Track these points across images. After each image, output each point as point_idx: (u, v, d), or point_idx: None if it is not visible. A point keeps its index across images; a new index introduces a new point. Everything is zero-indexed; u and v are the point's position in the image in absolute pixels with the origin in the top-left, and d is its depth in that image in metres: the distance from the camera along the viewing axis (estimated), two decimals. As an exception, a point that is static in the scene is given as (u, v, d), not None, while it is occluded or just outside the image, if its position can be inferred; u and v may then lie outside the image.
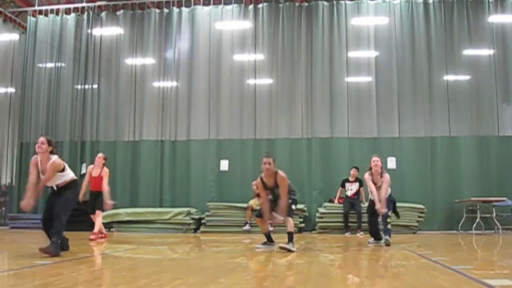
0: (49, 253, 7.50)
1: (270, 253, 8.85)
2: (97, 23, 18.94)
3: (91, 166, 13.00)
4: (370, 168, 10.70)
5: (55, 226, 7.84)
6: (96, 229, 12.42)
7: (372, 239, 11.13)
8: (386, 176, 10.63)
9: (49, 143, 8.12)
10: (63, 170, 8.16)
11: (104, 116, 18.46)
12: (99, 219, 12.56)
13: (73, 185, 8.35)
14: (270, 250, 9.50)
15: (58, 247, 7.74)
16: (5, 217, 18.77)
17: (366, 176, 10.79)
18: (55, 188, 8.20)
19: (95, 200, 12.50)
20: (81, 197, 11.75)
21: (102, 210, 12.59)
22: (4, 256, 8.35)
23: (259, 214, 9.98)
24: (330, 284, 5.34)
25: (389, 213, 10.56)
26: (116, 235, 13.52)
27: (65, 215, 7.98)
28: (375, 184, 10.61)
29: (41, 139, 8.10)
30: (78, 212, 15.89)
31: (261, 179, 9.54)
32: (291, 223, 9.47)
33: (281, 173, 9.39)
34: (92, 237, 12.14)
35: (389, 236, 10.42)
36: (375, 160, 10.66)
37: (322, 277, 5.95)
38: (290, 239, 9.22)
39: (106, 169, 12.67)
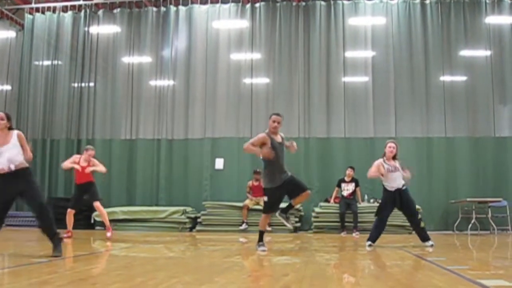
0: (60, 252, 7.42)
1: (269, 252, 8.84)
2: (94, 21, 18.91)
3: (77, 156, 12.60)
4: (384, 154, 10.40)
5: (48, 224, 7.60)
6: (107, 223, 12.36)
7: (370, 242, 10.37)
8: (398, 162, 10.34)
9: (8, 118, 7.70)
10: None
11: (101, 114, 18.44)
12: (103, 210, 12.40)
13: (29, 171, 7.73)
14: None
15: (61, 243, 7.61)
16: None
17: (377, 161, 10.40)
18: (12, 168, 7.48)
19: (85, 193, 12.33)
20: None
21: (99, 199, 12.47)
22: (0, 254, 8.34)
23: (266, 210, 9.37)
24: (326, 284, 5.34)
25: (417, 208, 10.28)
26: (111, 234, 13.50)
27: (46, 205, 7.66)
28: (391, 171, 10.18)
29: (0, 114, 7.66)
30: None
31: (268, 135, 9.18)
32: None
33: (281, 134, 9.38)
34: (109, 234, 12.05)
35: (429, 238, 10.15)
36: (391, 146, 10.35)
37: (318, 277, 5.96)
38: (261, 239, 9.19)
39: (95, 161, 12.48)
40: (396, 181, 10.26)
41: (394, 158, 10.39)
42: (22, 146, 7.63)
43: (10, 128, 7.71)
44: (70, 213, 12.34)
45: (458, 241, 12.63)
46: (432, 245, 9.96)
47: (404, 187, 10.26)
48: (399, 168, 10.28)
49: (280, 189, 9.18)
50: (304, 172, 16.64)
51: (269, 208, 9.36)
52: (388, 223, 14.64)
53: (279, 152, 9.15)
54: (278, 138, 9.26)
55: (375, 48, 17.56)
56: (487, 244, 11.96)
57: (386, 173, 10.25)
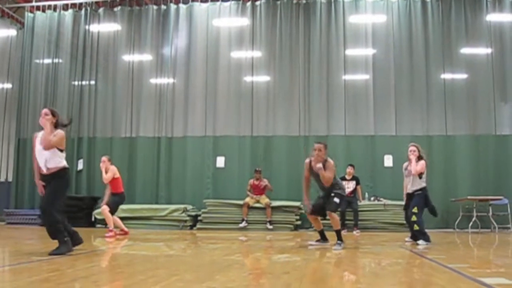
0: (61, 254, 7.30)
1: (270, 250, 8.84)
2: (94, 19, 18.92)
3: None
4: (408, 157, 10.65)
5: (50, 226, 7.52)
6: (110, 226, 12.30)
7: (409, 236, 10.80)
8: (421, 162, 10.49)
9: (53, 113, 7.81)
10: (62, 150, 7.85)
11: (101, 112, 18.44)
12: (106, 213, 12.36)
13: (63, 174, 7.82)
14: (323, 247, 9.47)
15: (67, 245, 7.55)
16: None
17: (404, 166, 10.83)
18: (44, 170, 7.70)
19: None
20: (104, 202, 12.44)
21: (111, 207, 12.42)
22: (1, 252, 8.34)
23: (311, 212, 9.90)
24: (327, 282, 5.35)
25: (414, 210, 10.24)
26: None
27: (55, 210, 7.55)
28: (406, 175, 10.62)
29: (45, 110, 7.80)
30: (75, 209, 15.97)
31: (310, 162, 9.72)
32: (335, 220, 9.56)
33: (330, 160, 9.67)
34: (107, 234, 12.09)
35: (423, 239, 10.18)
36: (412, 150, 10.63)
37: (319, 275, 5.96)
38: (339, 238, 9.45)
39: (113, 167, 12.56)
40: (408, 186, 10.64)
41: (419, 159, 10.56)
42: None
43: (56, 126, 7.88)
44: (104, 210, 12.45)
45: (459, 239, 12.63)
46: (418, 244, 10.09)
47: (417, 193, 10.45)
48: (413, 174, 10.50)
49: (319, 199, 9.97)
50: (304, 170, 16.62)
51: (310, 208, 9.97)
52: (389, 221, 14.83)
53: (315, 178, 9.85)
54: (317, 166, 9.56)
55: (375, 46, 17.55)
56: (488, 242, 11.96)
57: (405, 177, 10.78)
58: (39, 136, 7.86)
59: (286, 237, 13.01)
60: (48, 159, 7.70)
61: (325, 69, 17.49)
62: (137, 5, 18.93)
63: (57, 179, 7.71)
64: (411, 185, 10.54)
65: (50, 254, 7.26)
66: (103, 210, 12.39)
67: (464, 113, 16.81)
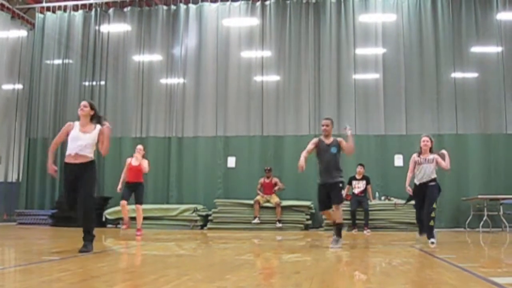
0: (89, 252, 7.60)
1: (280, 250, 8.83)
2: (104, 20, 19.00)
3: (130, 158, 13.14)
4: (421, 148, 10.40)
5: (90, 211, 7.76)
6: (138, 225, 12.76)
7: (417, 233, 10.70)
8: (434, 154, 10.30)
9: (92, 106, 8.04)
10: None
11: (111, 113, 18.48)
12: (139, 212, 12.76)
13: (94, 165, 8.01)
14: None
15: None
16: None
17: (412, 157, 10.50)
18: (77, 151, 7.80)
19: (133, 191, 12.74)
20: (119, 188, 12.84)
21: (141, 203, 12.83)
22: (12, 252, 8.38)
23: (322, 208, 9.91)
24: (337, 281, 5.34)
25: (434, 206, 9.97)
26: (123, 232, 13.58)
27: (93, 197, 7.89)
28: (420, 163, 10.23)
29: (84, 102, 8.06)
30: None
31: (319, 140, 9.75)
32: (339, 213, 9.59)
33: (338, 138, 9.74)
34: (138, 233, 12.41)
35: (433, 236, 9.86)
36: (425, 140, 10.35)
37: (329, 274, 5.95)
38: (338, 234, 9.42)
39: (145, 160, 13.01)
40: (421, 174, 10.20)
41: (430, 152, 10.35)
42: (99, 140, 7.93)
43: (93, 117, 8.05)
44: (123, 204, 12.76)
45: (470, 238, 12.58)
46: (432, 243, 9.84)
47: (431, 183, 10.12)
48: (433, 160, 10.20)
49: (322, 188, 9.70)
50: (314, 169, 16.57)
51: (318, 203, 10.14)
52: (399, 220, 14.76)
53: (322, 154, 9.65)
54: (328, 141, 9.68)
55: (385, 45, 17.52)
56: (499, 241, 11.91)
57: (417, 166, 10.32)
58: (76, 125, 7.98)
59: (296, 236, 13.01)
60: (87, 146, 7.88)
61: (335, 68, 17.50)
62: (147, 5, 19.02)
63: (91, 169, 7.92)
64: (429, 172, 10.17)
65: (81, 251, 7.53)
66: (140, 209, 12.77)
67: (475, 112, 16.76)
